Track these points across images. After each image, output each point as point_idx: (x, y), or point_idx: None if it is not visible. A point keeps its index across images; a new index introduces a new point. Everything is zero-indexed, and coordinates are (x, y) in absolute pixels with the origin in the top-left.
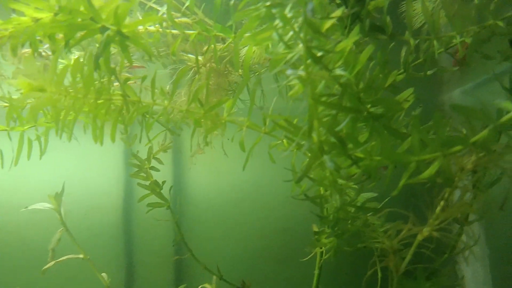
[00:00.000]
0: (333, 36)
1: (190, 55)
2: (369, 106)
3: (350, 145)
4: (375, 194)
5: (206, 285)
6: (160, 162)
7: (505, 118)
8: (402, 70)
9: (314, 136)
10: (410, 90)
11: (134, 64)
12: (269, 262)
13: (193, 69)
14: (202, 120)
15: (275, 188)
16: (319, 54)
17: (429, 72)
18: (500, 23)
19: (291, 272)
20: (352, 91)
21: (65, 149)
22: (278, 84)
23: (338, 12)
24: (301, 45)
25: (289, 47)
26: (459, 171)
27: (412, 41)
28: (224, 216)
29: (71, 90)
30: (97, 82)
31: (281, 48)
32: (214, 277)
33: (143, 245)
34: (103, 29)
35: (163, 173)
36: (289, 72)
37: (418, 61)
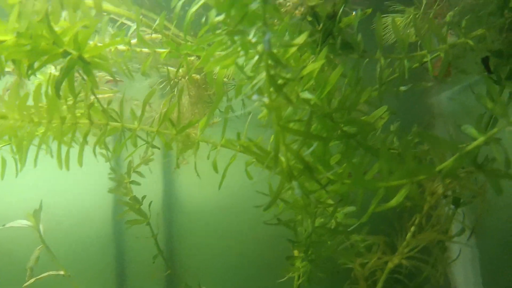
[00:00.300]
0: (304, 55)
1: (170, 68)
2: (342, 125)
3: (320, 168)
4: (354, 208)
5: None
6: (141, 175)
7: (471, 147)
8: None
9: (283, 161)
10: (384, 107)
11: (111, 79)
12: (261, 268)
13: (172, 81)
14: (174, 142)
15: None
16: (284, 80)
17: (402, 88)
18: (470, 42)
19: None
20: (323, 112)
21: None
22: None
23: (301, 38)
24: (264, 73)
25: (251, 74)
26: (429, 196)
27: (382, 60)
28: (215, 223)
29: (34, 116)
30: (68, 99)
31: (246, 72)
32: None
33: (133, 256)
34: (65, 53)
35: (153, 182)
36: (254, 98)
37: (395, 75)
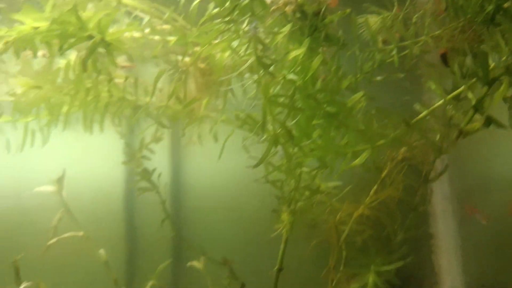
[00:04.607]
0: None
1: (178, 57)
2: (325, 105)
3: (303, 138)
4: (339, 183)
5: (195, 262)
6: (151, 151)
7: (415, 119)
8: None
9: (270, 129)
10: (361, 93)
11: (125, 64)
12: (256, 227)
13: (180, 69)
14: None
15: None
16: (270, 61)
17: (378, 78)
18: (429, 40)
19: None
20: (307, 92)
21: (69, 139)
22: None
23: (287, 28)
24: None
25: (243, 56)
26: (390, 161)
27: (357, 52)
28: (218, 194)
29: (63, 88)
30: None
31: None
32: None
33: (143, 219)
34: (90, 37)
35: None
36: (246, 76)
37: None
